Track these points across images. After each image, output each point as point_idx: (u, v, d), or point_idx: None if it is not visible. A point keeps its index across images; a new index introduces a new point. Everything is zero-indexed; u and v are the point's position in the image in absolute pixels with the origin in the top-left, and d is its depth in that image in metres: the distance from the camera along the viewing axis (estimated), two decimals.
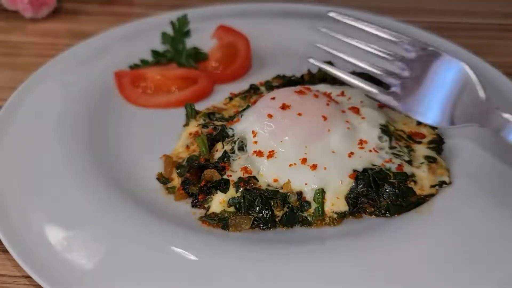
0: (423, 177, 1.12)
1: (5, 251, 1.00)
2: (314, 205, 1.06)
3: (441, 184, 1.12)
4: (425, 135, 1.24)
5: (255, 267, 0.96)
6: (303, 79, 1.45)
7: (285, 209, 1.06)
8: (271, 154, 1.11)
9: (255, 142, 1.14)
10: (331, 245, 1.00)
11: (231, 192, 1.09)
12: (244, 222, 1.05)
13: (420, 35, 1.61)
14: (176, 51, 1.54)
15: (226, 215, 1.07)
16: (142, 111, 1.39)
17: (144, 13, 1.78)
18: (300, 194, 1.07)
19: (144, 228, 1.03)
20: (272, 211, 1.06)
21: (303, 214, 1.06)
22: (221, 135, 1.21)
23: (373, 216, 1.08)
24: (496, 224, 1.03)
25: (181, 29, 1.57)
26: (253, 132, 1.16)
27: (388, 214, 1.07)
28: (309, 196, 1.07)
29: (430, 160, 1.16)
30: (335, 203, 1.07)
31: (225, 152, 1.15)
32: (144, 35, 1.61)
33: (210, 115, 1.30)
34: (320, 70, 1.47)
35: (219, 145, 1.19)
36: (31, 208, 1.06)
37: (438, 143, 1.22)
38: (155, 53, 1.55)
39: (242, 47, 1.55)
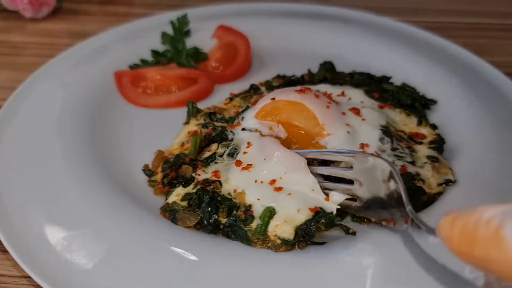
0: (429, 176, 1.11)
1: (5, 251, 1.00)
2: (257, 222, 1.01)
3: (447, 182, 1.11)
4: (425, 136, 1.24)
5: (256, 267, 0.96)
6: (303, 79, 1.45)
7: (230, 218, 1.03)
8: (247, 167, 1.09)
9: (245, 153, 1.13)
10: (330, 245, 1.00)
11: (189, 188, 1.09)
12: (190, 218, 1.04)
13: (420, 35, 1.62)
14: (176, 51, 1.54)
15: (175, 207, 1.06)
16: (142, 111, 1.39)
17: (144, 13, 1.78)
18: (249, 207, 1.03)
19: (144, 228, 1.03)
20: (217, 215, 1.03)
21: (245, 228, 1.01)
22: (220, 137, 1.21)
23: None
24: None
25: (181, 29, 1.57)
26: (248, 143, 1.14)
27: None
28: (257, 211, 1.02)
29: (433, 159, 1.16)
30: (280, 225, 0.99)
31: (214, 154, 1.16)
32: (144, 35, 1.61)
33: (211, 115, 1.30)
34: (321, 69, 1.48)
35: (213, 146, 1.20)
36: (31, 208, 1.06)
37: (439, 143, 1.22)
38: (155, 53, 1.55)
39: (242, 47, 1.55)
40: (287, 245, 0.98)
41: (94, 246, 0.99)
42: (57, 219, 1.04)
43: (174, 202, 1.07)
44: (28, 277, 0.96)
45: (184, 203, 1.06)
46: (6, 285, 0.99)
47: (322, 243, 1.00)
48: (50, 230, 1.01)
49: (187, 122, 1.30)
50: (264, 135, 1.19)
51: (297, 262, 0.97)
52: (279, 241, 0.99)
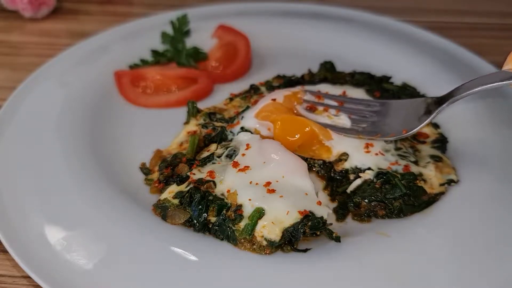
0: (431, 176, 1.12)
1: (5, 251, 1.00)
2: (246, 221, 1.00)
3: (449, 182, 1.11)
4: (428, 135, 1.24)
5: (255, 267, 0.96)
6: (303, 79, 1.45)
7: (219, 217, 1.03)
8: (244, 169, 1.09)
9: (243, 155, 1.12)
10: (331, 245, 1.00)
11: (183, 186, 1.09)
12: (180, 216, 1.04)
13: (420, 35, 1.62)
14: (176, 51, 1.54)
15: (167, 204, 1.06)
16: (142, 110, 1.39)
17: (143, 13, 1.78)
18: (239, 207, 1.03)
19: (144, 228, 1.03)
20: (207, 214, 1.03)
21: (233, 228, 1.00)
22: (219, 137, 1.21)
23: (385, 218, 1.07)
24: (498, 224, 1.03)
25: (181, 29, 1.57)
26: (247, 145, 1.14)
27: (402, 215, 1.06)
28: (246, 211, 1.01)
29: (436, 159, 1.16)
30: (267, 226, 0.99)
31: (212, 154, 1.16)
32: (144, 34, 1.61)
33: (211, 115, 1.30)
34: (321, 69, 1.47)
35: (213, 146, 1.20)
36: (31, 208, 1.06)
37: (442, 142, 1.22)
38: (155, 52, 1.54)
39: (242, 46, 1.55)
40: (272, 247, 0.98)
41: (94, 246, 0.98)
42: (56, 219, 1.04)
43: (165, 199, 1.07)
44: (28, 277, 0.96)
45: (176, 201, 1.07)
46: (6, 285, 0.99)
47: (305, 250, 0.99)
48: (49, 230, 1.01)
49: (187, 122, 1.30)
50: (263, 136, 1.19)
51: (297, 262, 0.97)
52: (265, 243, 0.98)
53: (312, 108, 1.23)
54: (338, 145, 1.15)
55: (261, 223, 0.99)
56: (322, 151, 1.16)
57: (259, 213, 1.00)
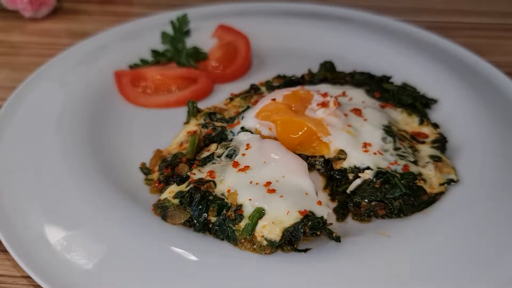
0: (431, 176, 1.12)
1: (5, 251, 1.00)
2: (246, 221, 1.00)
3: (449, 182, 1.11)
4: (427, 135, 1.24)
5: (255, 267, 0.96)
6: (303, 79, 1.45)
7: (219, 217, 1.02)
8: (244, 169, 1.09)
9: (243, 154, 1.12)
10: (331, 245, 1.00)
11: (183, 186, 1.09)
12: (180, 216, 1.04)
13: (420, 34, 1.62)
14: (176, 51, 1.54)
15: (167, 204, 1.06)
16: (142, 110, 1.39)
17: (143, 13, 1.78)
18: (240, 206, 1.03)
19: (144, 228, 1.03)
20: (207, 214, 1.03)
21: (233, 228, 1.00)
22: (220, 137, 1.21)
23: (386, 218, 1.07)
24: (498, 223, 1.03)
25: (181, 29, 1.57)
26: (247, 145, 1.14)
27: (402, 215, 1.06)
28: (247, 211, 1.01)
29: (436, 159, 1.16)
30: (267, 226, 0.99)
31: (212, 154, 1.16)
32: (144, 34, 1.61)
33: (211, 115, 1.30)
34: (321, 69, 1.47)
35: (213, 146, 1.20)
36: (31, 208, 1.06)
37: (441, 142, 1.22)
38: (155, 52, 1.54)
39: (242, 46, 1.55)
40: (273, 247, 0.98)
41: (94, 246, 0.98)
42: (56, 219, 1.04)
43: (165, 199, 1.07)
44: (28, 277, 0.96)
45: (176, 201, 1.07)
46: (6, 285, 0.99)
47: (305, 250, 0.99)
48: (49, 230, 1.01)
49: (187, 122, 1.30)
50: (263, 136, 1.19)
51: (297, 262, 0.97)
52: (265, 242, 0.98)
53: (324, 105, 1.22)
54: (335, 140, 1.15)
55: (261, 223, 0.99)
56: (322, 147, 1.16)
57: (259, 213, 1.00)
